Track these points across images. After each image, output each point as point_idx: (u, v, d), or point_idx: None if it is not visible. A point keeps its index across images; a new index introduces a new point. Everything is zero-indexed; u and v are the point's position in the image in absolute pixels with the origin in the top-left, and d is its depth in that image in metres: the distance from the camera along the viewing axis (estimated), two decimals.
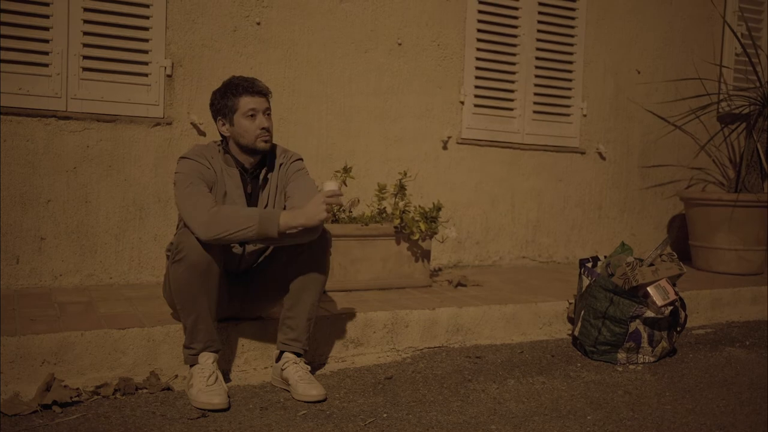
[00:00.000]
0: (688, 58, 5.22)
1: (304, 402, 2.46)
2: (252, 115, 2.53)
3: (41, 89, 3.36)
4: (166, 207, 3.64)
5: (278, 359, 2.62)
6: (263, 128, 2.55)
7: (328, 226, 3.37)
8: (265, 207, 2.63)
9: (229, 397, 2.41)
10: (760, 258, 4.69)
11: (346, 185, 3.60)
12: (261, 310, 2.83)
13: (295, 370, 2.53)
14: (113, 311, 2.89)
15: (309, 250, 2.55)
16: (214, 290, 2.44)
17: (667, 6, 5.14)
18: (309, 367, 2.59)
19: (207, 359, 2.46)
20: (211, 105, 2.63)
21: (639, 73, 5.06)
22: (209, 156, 2.57)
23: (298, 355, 2.60)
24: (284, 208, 2.62)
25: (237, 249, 2.64)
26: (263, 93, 2.57)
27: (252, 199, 2.63)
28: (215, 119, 2.62)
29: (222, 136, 2.64)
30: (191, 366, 2.48)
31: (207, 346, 2.46)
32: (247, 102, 2.53)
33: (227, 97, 2.55)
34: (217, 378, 2.43)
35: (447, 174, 4.44)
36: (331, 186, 2.40)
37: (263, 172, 2.64)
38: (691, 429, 2.36)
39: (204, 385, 2.38)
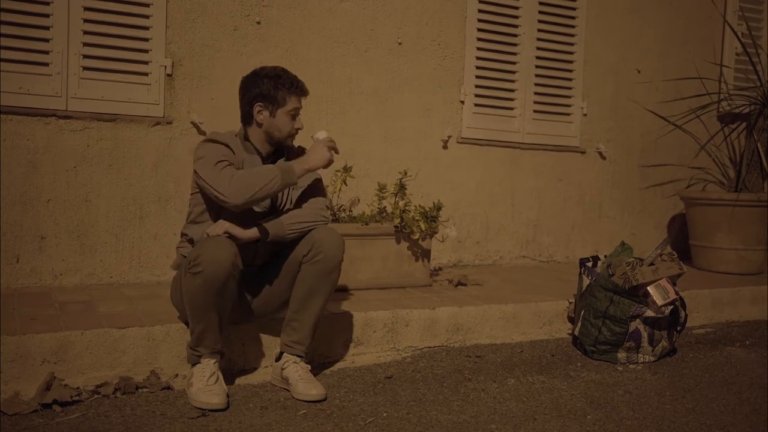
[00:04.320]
0: (688, 58, 5.22)
1: (304, 401, 2.46)
2: (293, 116, 2.60)
3: (41, 88, 3.36)
4: (166, 206, 3.64)
5: (278, 358, 2.62)
6: (298, 129, 2.63)
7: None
8: (287, 194, 2.67)
9: (228, 397, 2.41)
10: (760, 258, 4.69)
11: (346, 185, 3.60)
12: (270, 314, 2.81)
13: (295, 369, 2.53)
14: (113, 310, 2.89)
15: (323, 255, 2.53)
16: (227, 304, 2.43)
17: (667, 5, 5.14)
18: (309, 366, 2.59)
19: (209, 360, 2.45)
20: (254, 87, 2.57)
21: (639, 72, 5.06)
22: (230, 141, 2.59)
23: (299, 356, 2.60)
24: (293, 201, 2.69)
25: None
26: (307, 95, 2.65)
27: None
28: (251, 102, 2.58)
29: (247, 120, 2.62)
30: (193, 365, 2.48)
31: (212, 351, 2.46)
32: (295, 102, 2.59)
33: (279, 88, 2.56)
34: (217, 378, 2.43)
35: (447, 173, 4.44)
36: (323, 134, 2.57)
37: (281, 160, 2.66)
38: (691, 428, 2.36)
39: (204, 384, 2.38)
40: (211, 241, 2.37)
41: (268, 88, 2.56)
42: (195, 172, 2.51)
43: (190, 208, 2.65)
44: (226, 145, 2.55)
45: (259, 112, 2.58)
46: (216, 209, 2.55)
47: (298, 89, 2.59)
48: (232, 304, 2.48)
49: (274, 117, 2.57)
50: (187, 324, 2.64)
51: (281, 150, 2.68)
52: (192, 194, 2.64)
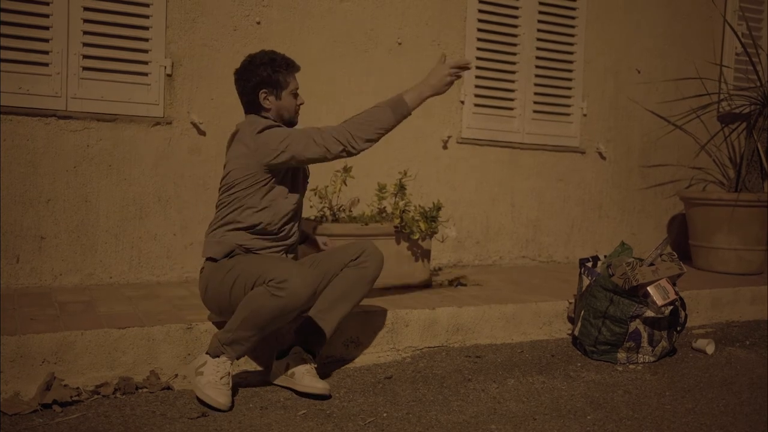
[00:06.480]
0: (688, 58, 5.22)
1: (309, 395, 2.48)
2: (294, 94, 2.69)
3: (41, 88, 3.36)
4: (166, 206, 3.64)
5: (280, 357, 2.62)
6: (300, 105, 2.74)
7: (327, 225, 3.37)
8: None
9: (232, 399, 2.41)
10: (760, 258, 4.69)
11: (346, 185, 3.60)
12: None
13: (302, 364, 2.54)
14: (113, 310, 2.89)
15: (370, 263, 2.63)
16: (281, 326, 2.50)
17: (667, 5, 5.14)
18: (316, 365, 2.60)
19: (229, 361, 2.43)
20: (253, 76, 2.62)
21: (639, 72, 5.06)
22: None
23: (312, 353, 2.61)
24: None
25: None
26: (299, 70, 2.73)
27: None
28: (254, 91, 2.63)
29: (254, 108, 2.66)
30: (212, 356, 2.42)
31: (237, 356, 2.45)
32: (294, 81, 2.69)
33: (279, 72, 2.64)
34: (229, 380, 2.42)
35: (447, 173, 4.44)
36: (451, 60, 2.59)
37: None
38: (691, 428, 2.36)
39: (216, 380, 2.37)
40: (303, 273, 2.33)
41: (268, 73, 2.63)
42: (280, 153, 2.50)
43: (243, 192, 2.56)
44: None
45: (265, 98, 2.65)
46: (284, 183, 2.61)
47: (293, 67, 2.68)
48: None
49: (281, 99, 2.67)
50: (215, 323, 2.65)
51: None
52: (236, 182, 2.57)
